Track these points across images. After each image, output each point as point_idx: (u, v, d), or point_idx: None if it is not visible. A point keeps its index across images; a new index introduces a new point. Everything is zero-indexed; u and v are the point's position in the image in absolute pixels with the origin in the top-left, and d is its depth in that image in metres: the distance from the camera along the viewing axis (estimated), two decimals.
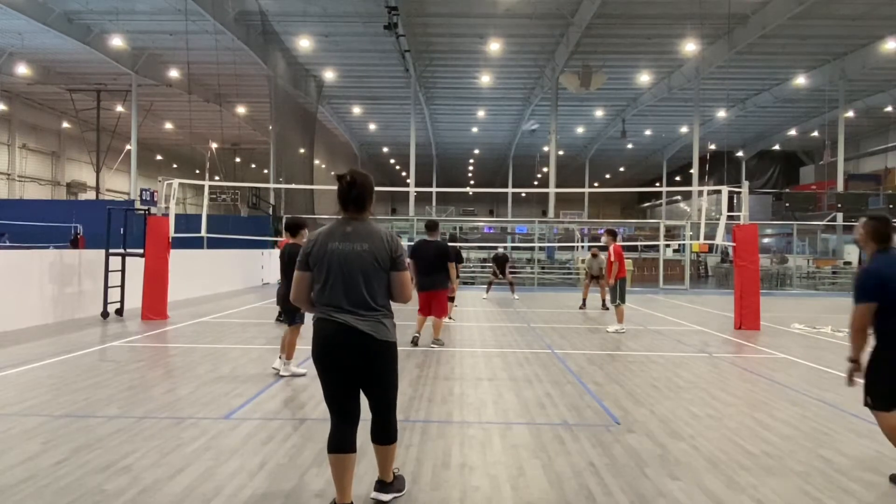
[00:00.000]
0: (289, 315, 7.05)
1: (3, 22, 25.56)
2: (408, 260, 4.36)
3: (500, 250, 18.70)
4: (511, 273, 18.79)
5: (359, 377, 3.44)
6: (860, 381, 4.11)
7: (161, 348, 8.83)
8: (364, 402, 3.53)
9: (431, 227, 9.62)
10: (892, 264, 4.07)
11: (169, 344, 9.19)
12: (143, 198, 30.60)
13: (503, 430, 5.17)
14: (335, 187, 3.45)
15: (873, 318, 4.03)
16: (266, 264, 21.82)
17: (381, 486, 3.69)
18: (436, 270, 9.18)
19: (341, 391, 3.44)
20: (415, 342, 9.10)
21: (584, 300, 15.77)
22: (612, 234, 11.41)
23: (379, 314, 3.43)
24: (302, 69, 32.15)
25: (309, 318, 3.83)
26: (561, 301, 17.41)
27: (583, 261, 25.09)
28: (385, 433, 3.57)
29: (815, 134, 42.88)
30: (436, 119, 44.46)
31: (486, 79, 33.25)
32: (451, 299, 12.08)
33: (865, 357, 4.08)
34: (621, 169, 64.56)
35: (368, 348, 3.38)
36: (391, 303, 3.55)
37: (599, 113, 41.81)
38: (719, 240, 13.37)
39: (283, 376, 6.97)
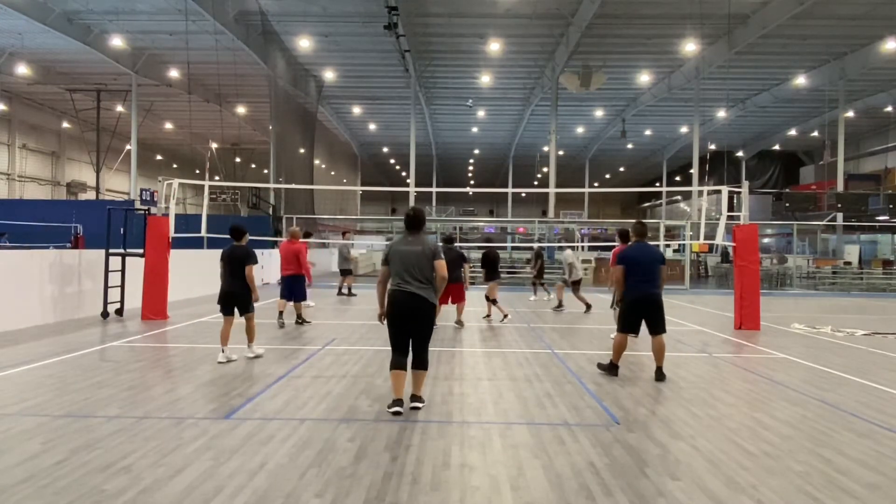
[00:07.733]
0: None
1: (3, 22, 25.56)
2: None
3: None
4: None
5: (413, 324, 5.64)
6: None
7: (161, 348, 8.82)
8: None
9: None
10: (638, 249, 7.38)
11: (169, 344, 9.18)
12: (143, 198, 30.67)
13: (503, 430, 5.17)
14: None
15: (624, 276, 7.21)
16: (266, 264, 21.78)
17: (414, 398, 5.80)
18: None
19: (404, 333, 5.66)
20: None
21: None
22: None
23: (429, 287, 5.66)
24: (302, 69, 32.13)
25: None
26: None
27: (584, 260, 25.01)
28: (422, 363, 5.77)
29: (815, 134, 42.85)
30: (436, 119, 44.43)
31: (485, 79, 33.23)
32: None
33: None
34: (621, 169, 64.53)
35: (422, 306, 5.60)
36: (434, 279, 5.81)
37: (599, 113, 41.79)
38: (719, 240, 13.34)
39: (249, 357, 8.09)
